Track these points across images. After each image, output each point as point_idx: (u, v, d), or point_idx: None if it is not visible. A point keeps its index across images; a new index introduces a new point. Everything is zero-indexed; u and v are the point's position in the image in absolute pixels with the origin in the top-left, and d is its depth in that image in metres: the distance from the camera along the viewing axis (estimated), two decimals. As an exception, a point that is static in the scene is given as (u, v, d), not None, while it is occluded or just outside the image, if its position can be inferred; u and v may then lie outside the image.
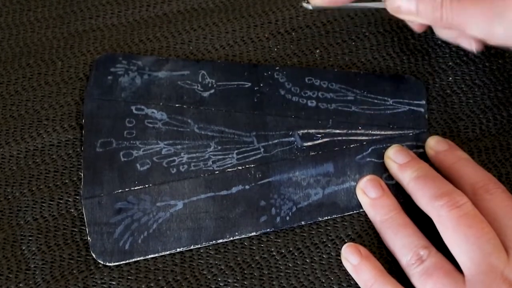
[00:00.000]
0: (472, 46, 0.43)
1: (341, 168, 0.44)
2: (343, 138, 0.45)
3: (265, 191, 0.44)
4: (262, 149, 0.45)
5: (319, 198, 0.44)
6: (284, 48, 0.48)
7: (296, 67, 0.47)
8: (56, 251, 0.43)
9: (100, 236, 0.43)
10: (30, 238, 0.43)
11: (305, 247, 0.43)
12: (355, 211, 0.43)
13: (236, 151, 0.45)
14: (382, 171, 0.44)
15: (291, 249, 0.43)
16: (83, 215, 0.43)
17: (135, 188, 0.44)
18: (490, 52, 0.47)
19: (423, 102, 0.46)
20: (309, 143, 0.45)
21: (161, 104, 0.46)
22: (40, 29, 0.49)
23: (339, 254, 0.42)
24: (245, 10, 0.49)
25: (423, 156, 0.44)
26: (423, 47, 0.48)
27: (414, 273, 0.40)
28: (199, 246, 0.43)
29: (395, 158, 0.43)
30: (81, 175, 0.44)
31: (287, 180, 0.44)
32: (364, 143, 0.45)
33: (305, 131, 0.45)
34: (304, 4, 0.44)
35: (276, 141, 0.45)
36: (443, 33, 0.45)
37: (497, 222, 0.40)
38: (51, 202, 0.44)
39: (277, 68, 0.47)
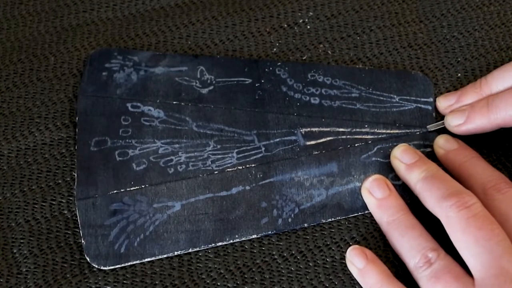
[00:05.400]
0: None
1: (345, 168, 0.44)
2: (348, 136, 0.45)
3: (266, 192, 0.43)
4: (263, 148, 0.44)
5: (323, 199, 0.43)
6: (286, 43, 0.48)
7: (298, 63, 0.47)
8: (48, 255, 0.42)
9: (95, 239, 0.42)
10: (21, 240, 0.43)
11: (308, 250, 0.42)
12: (360, 213, 0.43)
13: (236, 150, 0.44)
14: (388, 171, 0.44)
15: (293, 252, 0.42)
16: (76, 216, 0.43)
17: (131, 188, 0.43)
18: (500, 47, 0.47)
19: (431, 99, 0.46)
20: (312, 142, 0.44)
21: (158, 101, 0.45)
22: (32, 23, 0.48)
23: (343, 258, 0.42)
24: (245, 4, 0.49)
25: (431, 156, 0.44)
26: (431, 41, 0.48)
27: (422, 277, 0.39)
28: (197, 249, 0.42)
29: (402, 158, 0.43)
30: (74, 175, 0.44)
31: (289, 181, 0.44)
32: (370, 142, 0.45)
33: (308, 129, 0.45)
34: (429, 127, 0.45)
35: (277, 139, 0.44)
36: None
37: (509, 223, 0.39)
38: (44, 203, 0.43)
39: (279, 63, 0.46)
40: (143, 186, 0.43)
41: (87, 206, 0.43)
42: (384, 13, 0.48)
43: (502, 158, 0.44)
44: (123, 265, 0.42)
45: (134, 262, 0.42)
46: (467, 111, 0.43)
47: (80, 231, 0.42)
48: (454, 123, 0.43)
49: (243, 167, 0.44)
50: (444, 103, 0.45)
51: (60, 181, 0.44)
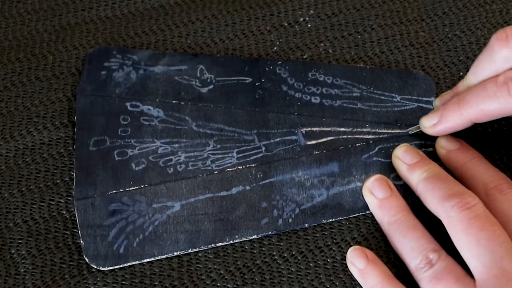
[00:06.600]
0: None
1: (346, 168, 0.44)
2: (349, 136, 0.44)
3: (266, 192, 0.43)
4: (263, 148, 0.44)
5: (324, 199, 0.43)
6: (286, 41, 0.47)
7: (299, 62, 0.46)
8: (47, 255, 0.42)
9: (93, 239, 0.42)
10: (19, 241, 0.42)
11: (308, 250, 0.42)
12: (361, 213, 0.43)
13: (236, 150, 0.44)
14: (390, 171, 0.44)
15: (294, 252, 0.42)
16: (75, 217, 0.43)
17: (130, 188, 0.43)
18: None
19: (433, 98, 0.45)
20: (313, 142, 0.44)
21: (157, 100, 0.45)
22: (30, 21, 0.48)
23: (344, 258, 0.42)
24: (245, 2, 0.49)
25: (433, 155, 0.44)
26: (433, 40, 0.47)
27: (423, 278, 0.39)
28: (197, 249, 0.42)
29: (404, 158, 0.43)
30: (73, 175, 0.44)
31: (289, 181, 0.43)
32: (371, 141, 0.44)
33: (309, 129, 0.45)
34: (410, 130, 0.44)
35: (278, 139, 0.44)
36: None
37: (511, 224, 0.39)
38: (42, 204, 0.43)
39: (279, 62, 0.46)
40: (142, 186, 0.43)
41: (86, 206, 0.42)
42: (385, 12, 0.48)
43: (504, 158, 0.44)
44: (122, 265, 0.42)
45: (133, 263, 0.42)
46: (440, 110, 0.42)
47: (79, 232, 0.42)
48: (428, 124, 0.43)
49: (243, 167, 0.44)
50: (439, 104, 0.44)
51: (58, 181, 0.43)
